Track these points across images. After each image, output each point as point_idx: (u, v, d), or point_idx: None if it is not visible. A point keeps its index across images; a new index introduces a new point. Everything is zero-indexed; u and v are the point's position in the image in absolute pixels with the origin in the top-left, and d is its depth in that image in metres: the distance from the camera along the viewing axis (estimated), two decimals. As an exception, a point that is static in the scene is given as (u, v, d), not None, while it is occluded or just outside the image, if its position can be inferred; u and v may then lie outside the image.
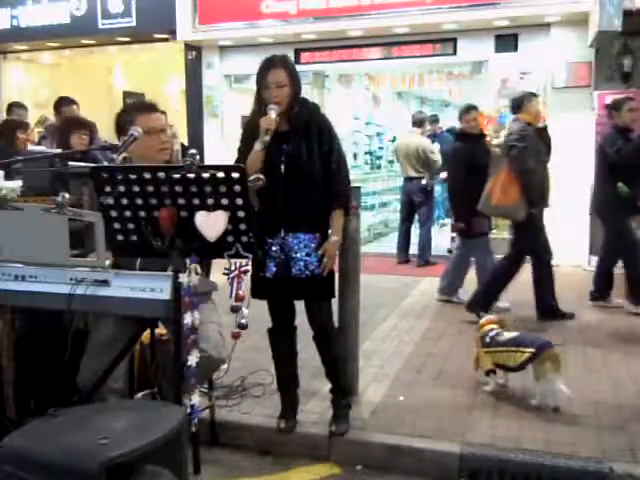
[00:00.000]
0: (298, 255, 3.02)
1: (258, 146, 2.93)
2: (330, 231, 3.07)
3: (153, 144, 2.91)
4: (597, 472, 2.85)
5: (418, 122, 8.12)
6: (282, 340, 3.26)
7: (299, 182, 3.01)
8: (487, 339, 3.64)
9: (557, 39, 7.80)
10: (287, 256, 3.04)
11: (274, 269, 3.05)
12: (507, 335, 3.62)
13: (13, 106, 6.84)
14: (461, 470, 2.99)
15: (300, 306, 3.19)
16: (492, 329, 3.68)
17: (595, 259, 7.63)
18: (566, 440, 3.10)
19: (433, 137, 9.68)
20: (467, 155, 5.61)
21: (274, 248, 3.05)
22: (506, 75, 8.61)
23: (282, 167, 3.01)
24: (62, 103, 5.99)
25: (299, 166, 3.00)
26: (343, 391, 3.32)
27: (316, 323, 3.17)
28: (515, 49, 8.07)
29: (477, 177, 5.42)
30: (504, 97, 8.69)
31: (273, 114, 2.92)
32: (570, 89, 7.70)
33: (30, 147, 5.40)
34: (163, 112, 3.09)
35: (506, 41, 8.06)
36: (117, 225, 2.49)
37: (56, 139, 4.88)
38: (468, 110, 5.80)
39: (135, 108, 3.11)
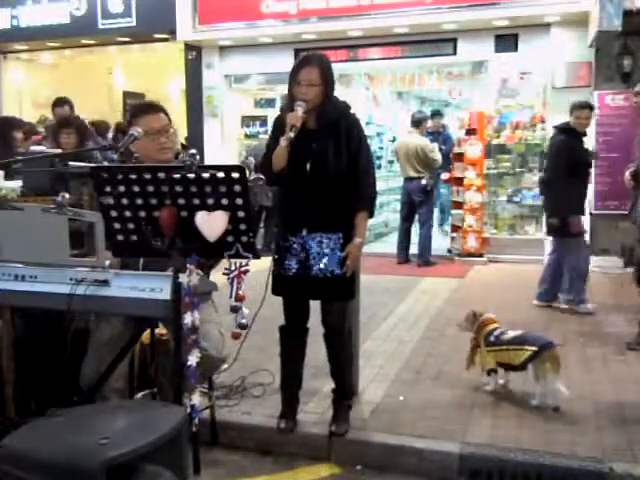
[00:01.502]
0: (319, 255, 3.01)
1: (283, 142, 2.93)
2: (353, 232, 3.05)
3: (150, 145, 2.91)
4: (597, 472, 2.85)
5: (417, 122, 8.11)
6: (293, 340, 3.25)
7: (324, 181, 3.00)
8: (492, 338, 3.62)
9: (557, 39, 7.80)
10: (308, 255, 3.03)
11: (295, 267, 3.04)
12: (512, 333, 3.60)
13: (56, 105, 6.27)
14: (461, 470, 2.99)
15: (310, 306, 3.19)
16: (496, 328, 3.67)
17: (595, 259, 7.65)
18: (566, 440, 3.10)
19: (437, 135, 9.51)
20: (570, 151, 5.37)
21: (295, 246, 3.04)
22: (506, 75, 8.61)
23: (308, 165, 3.00)
24: (56, 104, 6.02)
25: (325, 165, 2.99)
26: (345, 392, 3.31)
27: (330, 323, 3.16)
28: (515, 49, 8.07)
29: (577, 175, 5.30)
30: (504, 97, 8.70)
31: (300, 111, 2.91)
32: (570, 89, 7.70)
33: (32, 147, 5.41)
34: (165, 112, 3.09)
35: (506, 41, 8.07)
36: (117, 225, 2.50)
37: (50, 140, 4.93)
38: (582, 107, 5.47)
39: (135, 109, 3.12)
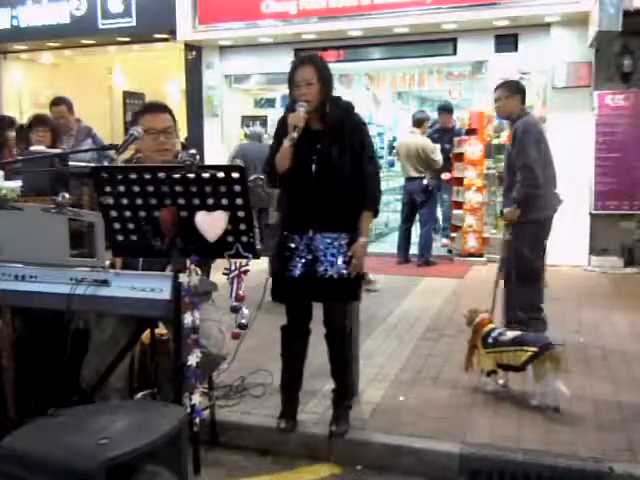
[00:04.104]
0: (325, 255, 3.01)
1: (286, 143, 2.93)
2: (358, 232, 3.05)
3: (151, 144, 2.93)
4: (597, 472, 2.85)
5: (419, 122, 8.10)
6: (295, 341, 3.24)
7: (329, 182, 3.00)
8: (490, 340, 3.60)
9: (557, 39, 7.80)
10: (314, 256, 3.03)
11: (300, 269, 3.04)
12: (510, 334, 3.60)
13: None
14: (461, 470, 2.99)
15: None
16: (493, 329, 3.67)
17: (595, 259, 7.66)
18: (566, 440, 3.10)
19: (444, 132, 9.07)
20: None
21: (301, 247, 3.04)
22: (506, 75, 8.59)
23: (313, 166, 3.00)
24: (54, 103, 6.03)
25: (330, 166, 2.99)
26: (346, 392, 3.31)
27: (333, 323, 3.16)
28: (515, 49, 8.07)
29: None
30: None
31: (302, 111, 2.92)
32: (570, 89, 7.70)
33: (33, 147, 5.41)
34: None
35: (506, 41, 8.07)
36: (117, 225, 2.50)
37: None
38: None
39: (141, 107, 3.16)
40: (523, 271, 4.57)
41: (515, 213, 4.59)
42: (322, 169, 3.00)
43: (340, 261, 3.01)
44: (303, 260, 3.04)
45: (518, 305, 4.56)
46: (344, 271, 3.01)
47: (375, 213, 3.11)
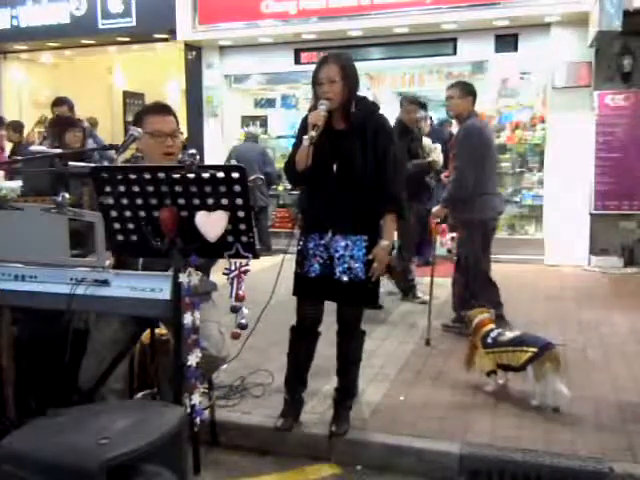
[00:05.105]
0: (343, 257, 2.99)
1: (305, 141, 2.89)
2: (380, 235, 3.02)
3: (156, 146, 2.89)
4: (597, 472, 2.85)
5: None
6: (303, 342, 3.23)
7: (351, 182, 2.97)
8: (489, 340, 3.61)
9: (557, 39, 7.80)
10: (332, 257, 3.01)
11: (317, 269, 3.02)
12: (509, 334, 3.60)
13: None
14: (461, 470, 2.99)
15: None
16: (492, 329, 3.67)
17: (595, 259, 7.67)
18: (566, 440, 3.10)
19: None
20: None
21: (320, 248, 3.02)
22: (506, 75, 8.61)
23: (334, 166, 2.97)
24: (55, 103, 6.06)
25: (352, 166, 2.96)
26: (348, 392, 3.31)
27: (345, 322, 3.15)
28: (515, 49, 8.08)
29: None
30: (504, 97, 8.69)
31: (322, 109, 2.89)
32: (570, 89, 7.71)
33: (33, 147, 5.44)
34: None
35: (506, 41, 8.07)
36: (117, 225, 2.49)
37: (50, 138, 4.96)
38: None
39: (146, 107, 3.11)
40: (475, 269, 4.79)
41: (442, 211, 4.80)
42: (343, 170, 2.97)
43: (358, 264, 2.98)
44: (321, 260, 3.02)
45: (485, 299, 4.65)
46: (362, 275, 2.99)
47: (400, 215, 3.07)
